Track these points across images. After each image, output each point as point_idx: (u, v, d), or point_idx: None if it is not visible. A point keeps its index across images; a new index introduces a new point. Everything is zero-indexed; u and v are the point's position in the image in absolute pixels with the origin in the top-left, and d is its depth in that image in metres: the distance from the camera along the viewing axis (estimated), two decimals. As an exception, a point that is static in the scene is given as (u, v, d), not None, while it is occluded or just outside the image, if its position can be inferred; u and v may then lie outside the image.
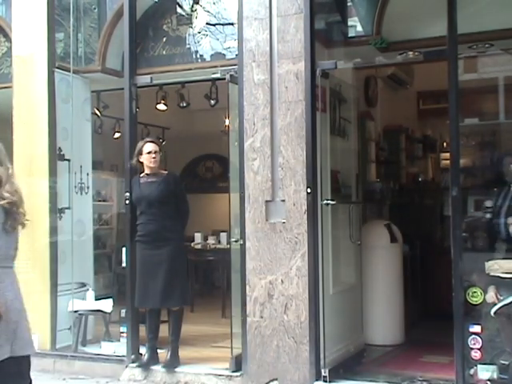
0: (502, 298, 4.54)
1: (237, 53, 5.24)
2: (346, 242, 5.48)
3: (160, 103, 8.20)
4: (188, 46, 5.88)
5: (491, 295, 4.55)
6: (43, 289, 5.86)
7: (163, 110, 8.44)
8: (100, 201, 8.94)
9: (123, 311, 5.65)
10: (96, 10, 6.48)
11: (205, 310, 7.92)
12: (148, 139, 5.61)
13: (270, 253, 4.96)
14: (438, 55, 4.83)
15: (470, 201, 5.90)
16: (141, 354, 5.54)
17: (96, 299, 5.99)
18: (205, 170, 11.14)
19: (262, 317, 4.98)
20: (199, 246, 8.41)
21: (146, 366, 5.41)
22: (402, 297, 6.16)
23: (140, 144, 5.48)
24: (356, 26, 5.70)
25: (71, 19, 6.14)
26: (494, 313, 4.52)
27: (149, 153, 5.38)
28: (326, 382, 4.79)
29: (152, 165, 5.40)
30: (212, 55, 5.79)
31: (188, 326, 5.96)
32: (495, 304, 4.52)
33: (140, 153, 5.42)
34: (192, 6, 5.87)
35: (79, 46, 6.36)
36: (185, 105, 8.26)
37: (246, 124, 5.08)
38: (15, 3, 6.13)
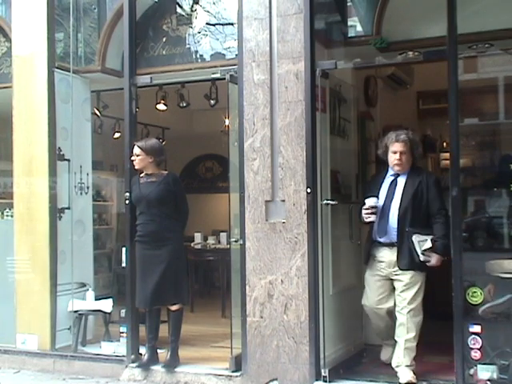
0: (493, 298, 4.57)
1: (237, 53, 5.24)
2: (345, 242, 5.48)
3: (160, 103, 8.21)
4: (188, 46, 5.88)
5: (488, 290, 4.58)
6: (43, 289, 5.86)
7: (163, 110, 8.45)
8: (100, 201, 8.96)
9: (123, 311, 5.65)
10: (96, 10, 6.48)
11: (205, 310, 7.92)
12: (136, 142, 5.52)
13: (270, 253, 4.96)
14: (438, 55, 4.82)
15: (469, 201, 5.91)
16: (141, 354, 5.54)
17: (96, 299, 6.00)
18: (205, 170, 11.15)
19: (261, 317, 4.98)
20: (199, 246, 8.41)
21: (145, 366, 5.41)
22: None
23: None
24: (356, 25, 5.70)
25: (71, 19, 6.14)
26: (481, 311, 4.56)
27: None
28: (325, 381, 4.80)
29: (135, 166, 5.44)
30: (212, 55, 5.79)
31: (188, 325, 5.96)
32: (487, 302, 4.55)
33: None
34: (192, 6, 5.87)
35: (79, 46, 6.36)
36: (185, 105, 8.26)
37: (246, 124, 5.08)
38: (15, 3, 6.13)
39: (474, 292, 4.60)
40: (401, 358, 4.77)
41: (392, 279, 4.86)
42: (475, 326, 4.51)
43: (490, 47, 5.04)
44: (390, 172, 4.95)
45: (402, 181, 4.86)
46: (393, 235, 4.77)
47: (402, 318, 4.79)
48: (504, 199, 5.81)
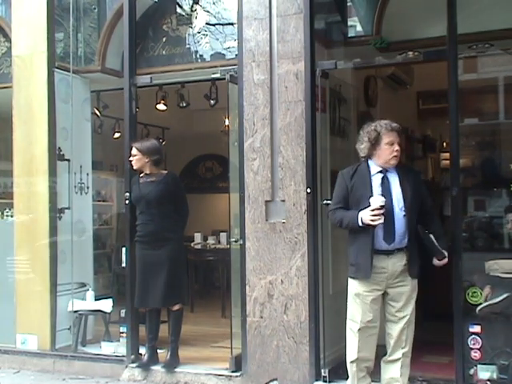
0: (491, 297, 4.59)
1: (236, 53, 5.24)
2: (345, 242, 5.46)
3: (160, 103, 8.20)
4: (188, 46, 5.88)
5: (485, 295, 4.58)
6: (43, 289, 5.86)
7: (163, 110, 8.44)
8: (100, 201, 8.95)
9: (123, 311, 5.66)
10: (96, 10, 6.48)
11: (205, 310, 7.92)
12: (133, 143, 5.51)
13: (270, 253, 4.96)
14: (438, 55, 4.83)
15: (469, 201, 5.91)
16: (141, 354, 5.54)
17: (96, 299, 6.00)
18: (205, 170, 11.15)
19: (261, 317, 4.98)
20: (199, 246, 8.41)
21: (145, 366, 5.41)
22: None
23: None
24: (356, 26, 5.70)
25: (71, 19, 6.14)
26: (479, 310, 4.56)
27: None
28: (325, 382, 4.81)
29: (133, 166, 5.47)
30: (212, 55, 5.79)
31: (188, 326, 5.96)
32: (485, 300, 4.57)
33: None
34: (192, 6, 5.87)
35: (79, 46, 6.36)
36: (184, 105, 8.25)
37: (246, 124, 5.08)
38: (15, 3, 6.13)
39: (474, 292, 4.60)
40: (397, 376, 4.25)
41: (386, 292, 4.17)
42: (475, 326, 4.51)
43: (490, 47, 5.04)
44: (376, 168, 4.17)
45: (394, 178, 4.15)
46: (398, 240, 4.07)
47: (399, 332, 4.16)
48: (504, 199, 5.81)
